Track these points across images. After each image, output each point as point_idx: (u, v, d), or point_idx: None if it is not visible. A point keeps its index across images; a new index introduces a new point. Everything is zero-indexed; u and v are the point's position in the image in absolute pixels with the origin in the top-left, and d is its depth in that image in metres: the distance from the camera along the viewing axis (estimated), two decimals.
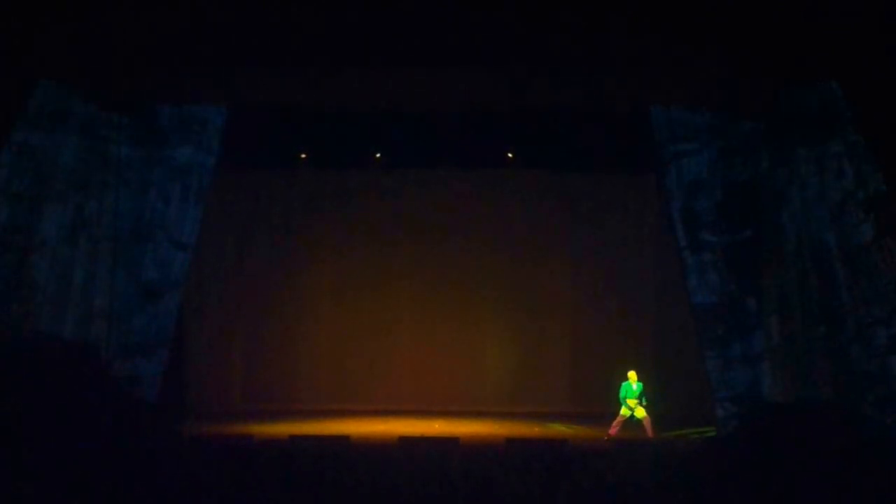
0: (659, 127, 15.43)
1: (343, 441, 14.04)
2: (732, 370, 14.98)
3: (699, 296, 15.19)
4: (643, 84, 15.20)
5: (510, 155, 18.52)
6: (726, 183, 15.36)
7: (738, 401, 14.83)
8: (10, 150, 14.39)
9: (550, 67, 14.99)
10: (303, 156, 18.76)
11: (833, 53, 13.83)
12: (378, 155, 18.70)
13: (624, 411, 15.15)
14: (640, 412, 15.14)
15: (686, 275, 15.33)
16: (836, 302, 14.25)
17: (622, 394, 15.21)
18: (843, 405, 13.65)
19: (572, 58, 14.78)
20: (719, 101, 15.33)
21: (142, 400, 14.46)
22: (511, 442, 14.05)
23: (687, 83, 15.16)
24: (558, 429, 16.80)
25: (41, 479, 9.96)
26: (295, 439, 13.85)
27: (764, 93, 15.04)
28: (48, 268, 14.55)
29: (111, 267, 14.99)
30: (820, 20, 13.41)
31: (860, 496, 10.06)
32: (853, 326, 14.06)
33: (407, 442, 13.87)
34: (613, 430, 15.13)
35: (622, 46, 14.40)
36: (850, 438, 12.18)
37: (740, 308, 15.12)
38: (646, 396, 15.21)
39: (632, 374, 15.30)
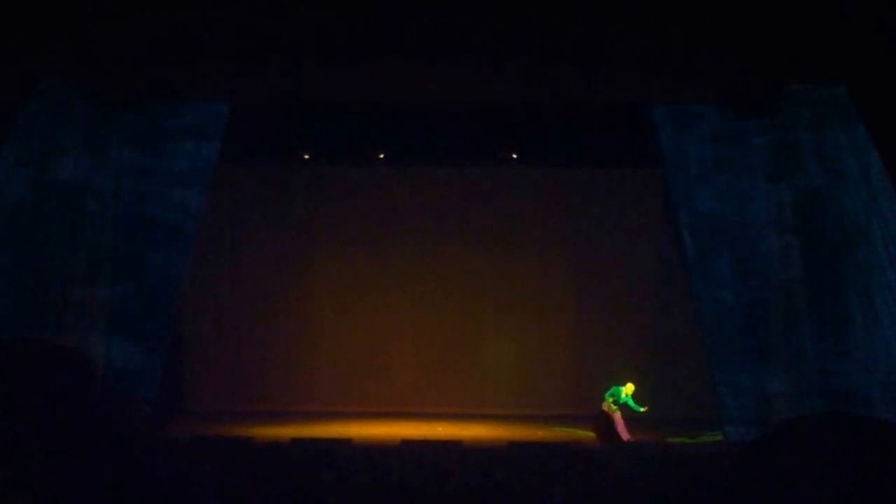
0: (666, 127, 15.25)
1: (345, 443, 13.99)
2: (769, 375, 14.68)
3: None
4: (651, 82, 15.05)
5: (514, 156, 18.49)
6: (778, 185, 14.85)
7: (772, 405, 14.47)
8: (11, 149, 14.35)
9: (552, 64, 14.90)
10: (306, 156, 18.74)
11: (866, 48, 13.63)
12: (382, 156, 18.67)
13: (613, 409, 15.09)
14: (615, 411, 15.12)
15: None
16: (879, 302, 13.93)
17: (608, 393, 15.12)
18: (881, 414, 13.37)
19: (573, 56, 14.71)
20: (734, 98, 15.13)
21: (140, 399, 14.40)
22: (514, 445, 13.99)
23: (697, 81, 14.99)
24: (561, 431, 16.71)
25: (38, 478, 9.92)
26: (296, 441, 13.80)
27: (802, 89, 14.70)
28: (49, 267, 14.54)
29: (112, 266, 14.97)
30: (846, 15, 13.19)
31: None
32: None
33: (410, 444, 13.83)
34: (625, 434, 15.01)
35: (625, 42, 14.31)
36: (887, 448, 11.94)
37: (781, 311, 14.75)
38: (619, 404, 15.09)
39: (629, 387, 15.19)
